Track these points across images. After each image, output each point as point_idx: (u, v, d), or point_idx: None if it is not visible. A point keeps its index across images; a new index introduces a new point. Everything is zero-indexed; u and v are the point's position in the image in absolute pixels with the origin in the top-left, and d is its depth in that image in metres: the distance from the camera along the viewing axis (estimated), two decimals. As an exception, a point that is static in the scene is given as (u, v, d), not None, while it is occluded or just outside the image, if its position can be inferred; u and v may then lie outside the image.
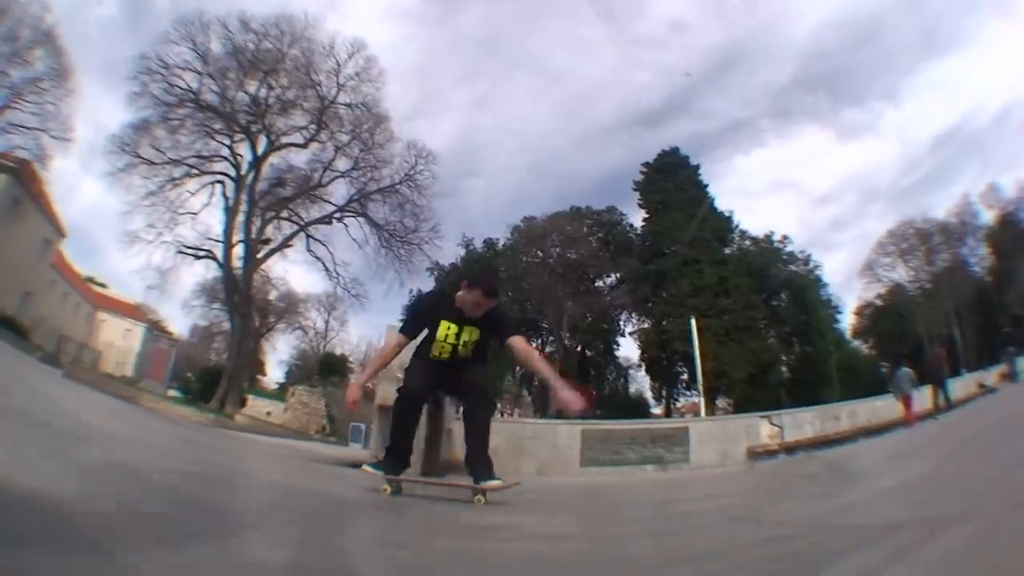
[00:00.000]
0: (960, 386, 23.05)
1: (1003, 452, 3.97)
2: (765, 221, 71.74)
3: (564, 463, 12.70)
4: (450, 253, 36.99)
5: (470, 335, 3.41)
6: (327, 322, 45.11)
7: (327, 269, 32.62)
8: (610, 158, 70.72)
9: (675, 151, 36.70)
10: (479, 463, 3.26)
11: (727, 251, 36.72)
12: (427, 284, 37.02)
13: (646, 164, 36.60)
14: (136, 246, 27.12)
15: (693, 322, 27.59)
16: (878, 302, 46.12)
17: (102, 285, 41.64)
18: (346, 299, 35.70)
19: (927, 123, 68.02)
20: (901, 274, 45.07)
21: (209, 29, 27.61)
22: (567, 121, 66.82)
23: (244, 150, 29.92)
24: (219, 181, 30.11)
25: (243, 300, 30.37)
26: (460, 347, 3.42)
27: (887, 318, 44.78)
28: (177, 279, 29.12)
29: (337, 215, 32.17)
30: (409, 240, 31.39)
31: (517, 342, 3.46)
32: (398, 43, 64.39)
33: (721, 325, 31.27)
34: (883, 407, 17.20)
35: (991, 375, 23.83)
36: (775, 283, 35.86)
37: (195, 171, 29.25)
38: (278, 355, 48.87)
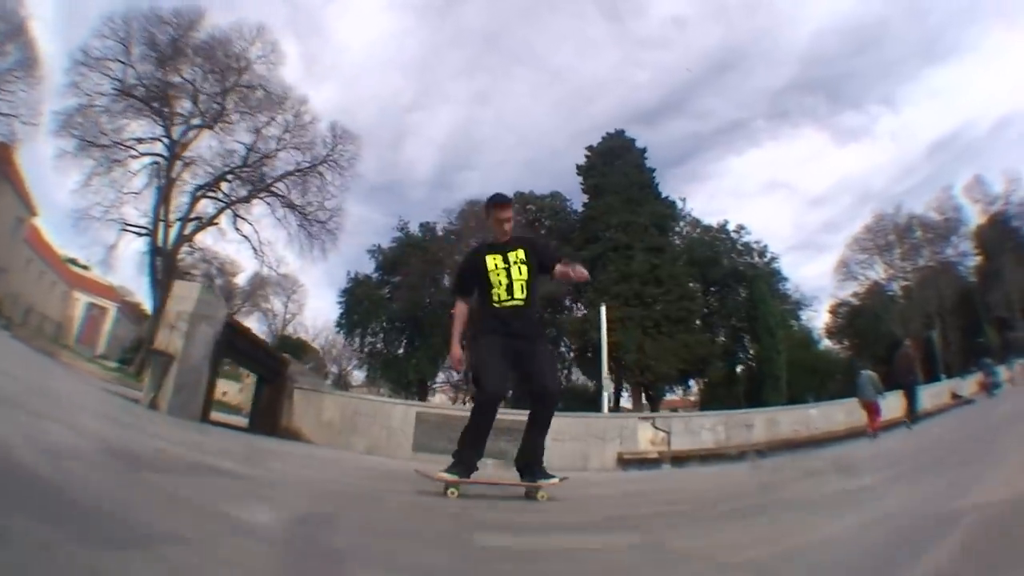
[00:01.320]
0: (932, 394, 21.12)
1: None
2: (758, 222, 69.64)
3: (396, 445, 12.01)
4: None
5: (516, 258, 3.49)
6: (286, 305, 44.91)
7: (253, 248, 32.72)
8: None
9: (620, 134, 34.83)
10: (537, 461, 3.45)
11: (676, 240, 34.88)
12: (369, 266, 36.67)
13: (590, 147, 34.86)
14: (84, 223, 28.08)
15: (603, 310, 26.02)
16: (854, 301, 43.25)
17: (84, 267, 42.58)
18: (273, 278, 36.07)
19: (924, 129, 66.68)
20: (879, 272, 42.03)
21: (131, 23, 28.29)
22: (565, 118, 66.74)
23: (176, 133, 30.60)
24: (155, 163, 30.75)
25: (165, 274, 30.60)
26: (515, 280, 3.46)
27: (862, 317, 41.96)
28: (120, 256, 30.35)
29: (259, 195, 32.13)
30: (319, 219, 30.93)
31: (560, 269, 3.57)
32: (399, 35, 64.39)
33: (650, 316, 29.42)
34: (818, 416, 15.74)
35: (968, 383, 21.85)
36: (722, 274, 33.72)
37: (134, 152, 29.87)
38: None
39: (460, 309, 3.72)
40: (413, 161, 66.95)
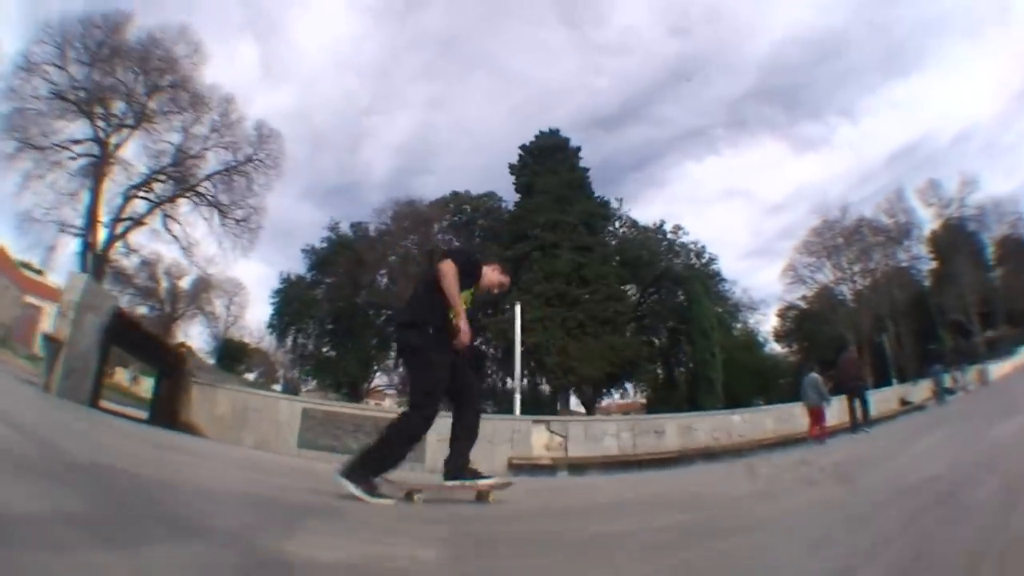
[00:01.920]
0: (880, 399, 20.34)
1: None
2: (715, 228, 69.92)
3: (283, 440, 11.74)
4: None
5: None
6: (228, 308, 44.14)
7: (182, 248, 32.30)
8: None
9: (555, 132, 34.26)
10: (467, 461, 3.45)
11: (611, 240, 34.26)
12: (301, 266, 36.03)
13: (523, 146, 34.27)
14: (27, 225, 28.52)
15: (518, 309, 25.33)
16: (803, 304, 42.59)
17: (38, 272, 42.12)
18: (216, 281, 35.74)
19: (883, 140, 67.88)
20: (828, 275, 41.37)
21: (66, 27, 28.25)
22: (522, 123, 66.69)
23: (107, 134, 30.55)
24: (90, 164, 30.64)
25: (95, 273, 30.31)
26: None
27: (810, 321, 41.28)
28: (59, 257, 30.56)
29: (184, 194, 31.78)
30: (237, 217, 30.46)
31: None
32: (358, 38, 64.24)
33: (574, 316, 28.68)
34: (741, 423, 15.13)
35: (919, 389, 21.18)
36: (656, 275, 33.04)
37: (71, 154, 29.75)
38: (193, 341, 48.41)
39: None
40: (370, 164, 66.70)
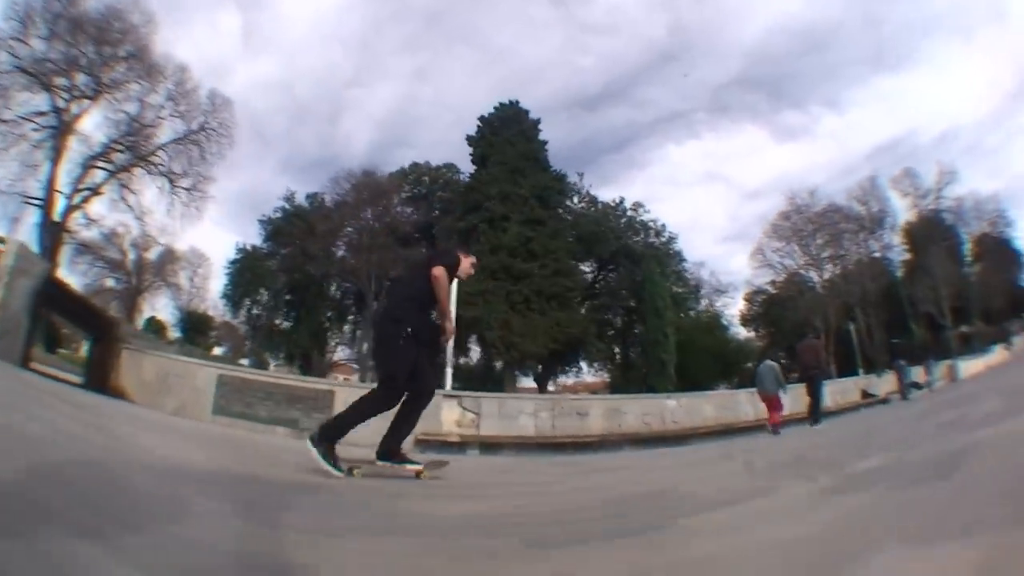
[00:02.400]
0: (841, 390, 19.71)
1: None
2: (693, 211, 70.00)
3: (200, 407, 11.57)
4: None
5: None
6: (191, 280, 43.90)
7: (136, 217, 32.13)
8: (545, 137, 66.06)
9: (514, 104, 33.47)
10: (399, 446, 3.83)
11: (568, 215, 33.51)
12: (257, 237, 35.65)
13: (481, 117, 33.49)
14: None
15: (455, 281, 24.69)
16: (771, 289, 41.70)
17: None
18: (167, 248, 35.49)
19: (867, 133, 64.79)
20: (797, 261, 40.43)
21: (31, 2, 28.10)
22: (505, 98, 64.66)
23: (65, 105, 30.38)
24: (52, 135, 30.55)
25: (52, 243, 30.26)
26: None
27: (777, 306, 40.43)
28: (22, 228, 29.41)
29: (138, 164, 31.57)
30: (185, 186, 30.18)
31: None
32: (342, 9, 63.31)
33: (519, 291, 28.08)
34: (677, 408, 14.35)
35: (883, 381, 20.53)
36: (611, 252, 32.34)
37: (35, 126, 29.76)
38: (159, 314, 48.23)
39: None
40: (350, 136, 65.87)
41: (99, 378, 12.08)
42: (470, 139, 33.23)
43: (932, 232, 37.78)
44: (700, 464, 4.94)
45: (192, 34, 57.10)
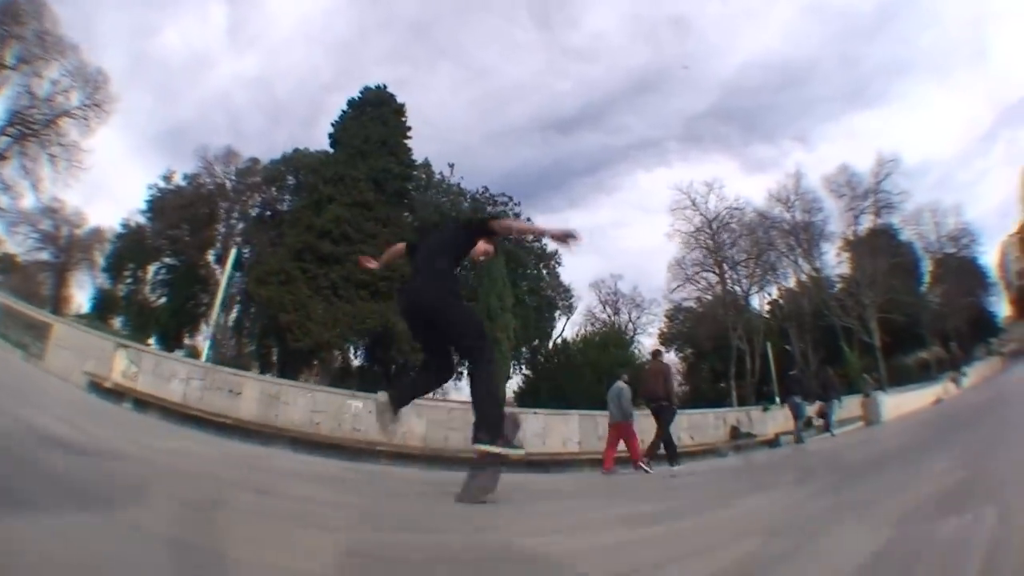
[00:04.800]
0: (695, 423, 16.62)
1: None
2: (657, 237, 68.29)
3: None
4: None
5: None
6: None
7: (32, 185, 33.70)
8: (518, 157, 69.67)
9: (381, 88, 32.07)
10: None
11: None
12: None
13: (349, 100, 32.32)
14: None
15: (234, 252, 23.98)
16: (695, 306, 36.71)
17: None
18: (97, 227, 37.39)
19: (835, 167, 59.65)
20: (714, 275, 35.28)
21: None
22: (482, 116, 67.79)
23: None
24: None
25: None
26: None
27: (701, 324, 35.50)
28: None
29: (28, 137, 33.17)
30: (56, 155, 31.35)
31: None
32: (329, 12, 65.60)
33: (325, 276, 26.31)
34: (363, 411, 12.07)
35: (767, 417, 17.32)
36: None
37: None
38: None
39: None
40: (324, 141, 67.49)
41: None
42: (333, 123, 32.18)
43: (879, 244, 31.82)
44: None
45: (179, 23, 61.22)
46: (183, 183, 35.35)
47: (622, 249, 61.89)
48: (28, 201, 36.05)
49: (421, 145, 69.24)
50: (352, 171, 28.33)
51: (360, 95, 32.10)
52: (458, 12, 71.42)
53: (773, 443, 15.25)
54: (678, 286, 35.60)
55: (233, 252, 23.92)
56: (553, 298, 33.41)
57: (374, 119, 30.59)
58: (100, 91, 32.82)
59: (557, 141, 68.32)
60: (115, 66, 56.68)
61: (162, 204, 34.68)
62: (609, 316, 39.12)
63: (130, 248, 34.91)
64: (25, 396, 3.93)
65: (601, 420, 11.77)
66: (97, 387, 10.63)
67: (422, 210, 30.63)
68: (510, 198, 32.84)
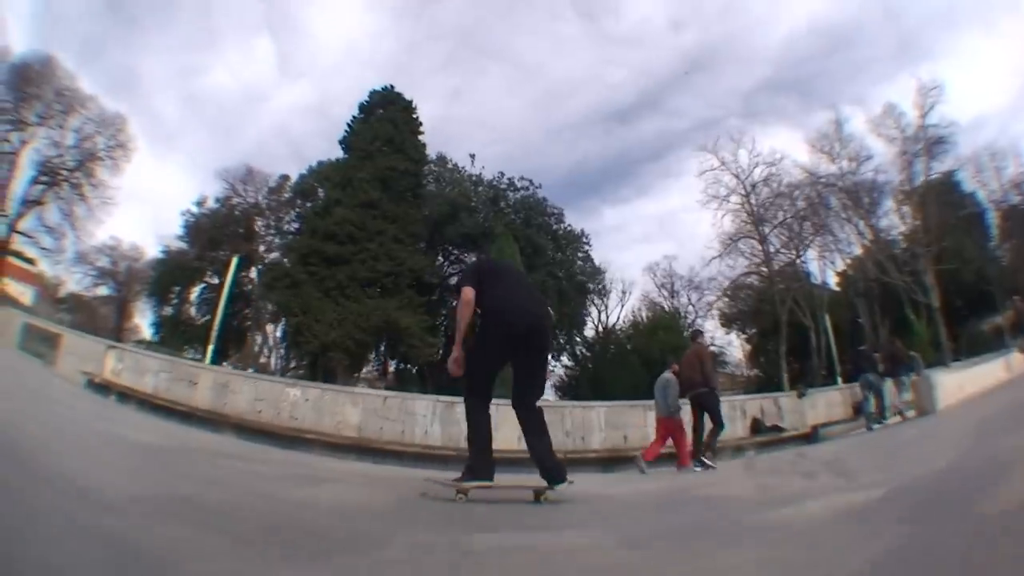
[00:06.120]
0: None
1: None
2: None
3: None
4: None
5: None
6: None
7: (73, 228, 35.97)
8: (580, 152, 69.72)
9: (387, 89, 31.44)
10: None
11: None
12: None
13: (360, 104, 31.90)
14: None
15: (235, 261, 24.09)
16: (756, 282, 32.80)
17: (30, 260, 48.78)
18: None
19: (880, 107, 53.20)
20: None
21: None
22: (540, 114, 67.12)
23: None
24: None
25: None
26: None
27: (764, 302, 31.67)
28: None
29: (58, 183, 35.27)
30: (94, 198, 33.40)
31: None
32: (375, 34, 67.62)
33: (332, 276, 25.72)
34: (302, 402, 12.52)
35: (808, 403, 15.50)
36: (460, 232, 28.37)
37: None
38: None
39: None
40: None
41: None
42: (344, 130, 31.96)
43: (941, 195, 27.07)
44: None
45: (227, 59, 64.68)
46: (216, 205, 36.59)
47: (692, 235, 58.49)
48: (69, 241, 38.59)
49: (481, 149, 70.03)
50: (359, 173, 27.82)
51: (368, 98, 31.76)
52: (501, 15, 70.90)
53: (811, 438, 12.67)
54: (715, 257, 32.12)
55: (235, 260, 23.79)
56: (584, 283, 31.09)
57: (382, 120, 30.04)
58: (121, 132, 34.75)
59: (618, 131, 67.88)
60: (168, 110, 61.02)
61: (197, 227, 35.98)
62: (666, 300, 36.49)
63: (171, 272, 36.32)
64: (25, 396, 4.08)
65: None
66: (92, 384, 12.09)
67: (432, 203, 29.53)
68: (530, 181, 31.09)
